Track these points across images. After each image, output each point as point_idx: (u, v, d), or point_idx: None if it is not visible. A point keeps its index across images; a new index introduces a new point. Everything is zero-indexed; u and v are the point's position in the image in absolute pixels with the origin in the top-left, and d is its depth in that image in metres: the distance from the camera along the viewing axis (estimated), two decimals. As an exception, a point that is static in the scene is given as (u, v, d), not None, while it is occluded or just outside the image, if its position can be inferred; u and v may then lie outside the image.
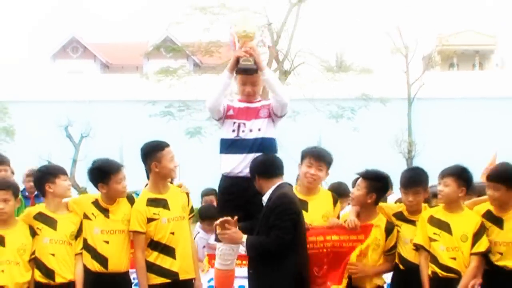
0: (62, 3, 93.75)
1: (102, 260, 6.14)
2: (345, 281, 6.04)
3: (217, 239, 6.41)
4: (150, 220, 6.19)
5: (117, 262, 6.21)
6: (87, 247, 6.18)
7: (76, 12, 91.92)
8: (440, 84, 36.25)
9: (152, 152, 6.31)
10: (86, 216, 6.20)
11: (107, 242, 6.17)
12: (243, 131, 6.39)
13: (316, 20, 31.19)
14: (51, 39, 78.18)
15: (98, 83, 44.01)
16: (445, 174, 6.14)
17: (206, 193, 9.36)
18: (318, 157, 6.30)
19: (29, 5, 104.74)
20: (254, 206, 6.12)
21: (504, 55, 50.94)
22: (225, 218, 5.76)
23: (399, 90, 33.10)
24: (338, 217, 6.47)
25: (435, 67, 41.73)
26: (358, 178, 6.59)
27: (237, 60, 6.31)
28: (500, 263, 6.00)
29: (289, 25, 29.35)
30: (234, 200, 6.26)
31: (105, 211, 6.23)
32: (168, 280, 6.17)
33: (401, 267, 6.26)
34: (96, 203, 6.24)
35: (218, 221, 5.80)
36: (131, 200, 6.37)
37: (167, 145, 6.37)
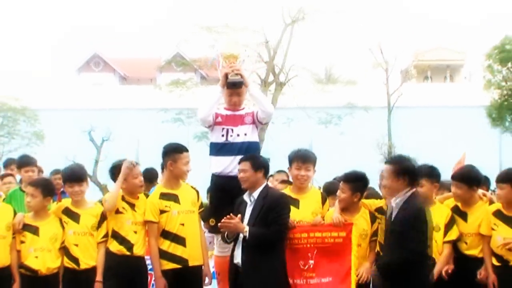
0: (82, 19, 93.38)
1: (130, 246, 6.14)
2: (353, 284, 5.95)
3: (212, 231, 6.51)
4: (162, 211, 6.19)
5: (141, 248, 6.22)
6: (115, 235, 6.18)
7: (95, 27, 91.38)
8: (416, 95, 36.15)
9: (171, 152, 6.32)
10: (118, 211, 6.18)
11: (136, 232, 6.18)
12: (231, 136, 6.44)
13: (308, 38, 31.16)
14: (74, 53, 77.92)
15: (117, 93, 43.94)
16: (425, 172, 6.14)
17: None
18: (304, 159, 6.27)
19: (51, 22, 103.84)
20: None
21: (471, 69, 50.69)
22: (231, 215, 5.73)
23: (380, 100, 33.02)
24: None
25: (412, 79, 41.55)
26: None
27: (226, 76, 6.37)
28: (467, 252, 6.06)
29: (284, 43, 29.38)
30: (225, 197, 6.29)
31: (132, 206, 6.22)
32: (179, 266, 6.16)
33: (381, 253, 6.16)
34: (123, 198, 6.24)
35: (225, 219, 5.74)
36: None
37: (186, 150, 6.38)
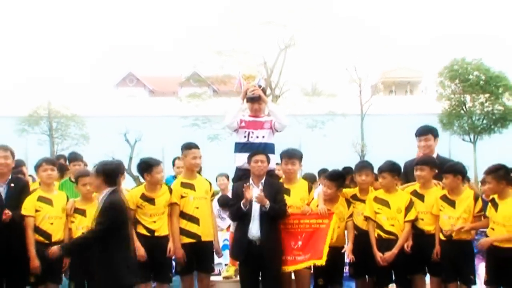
0: (117, 39, 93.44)
1: (151, 231, 6.07)
2: (324, 258, 5.95)
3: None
4: (181, 196, 6.17)
5: (166, 228, 6.14)
6: (140, 222, 6.05)
7: (128, 47, 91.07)
8: (383, 105, 36.26)
9: (184, 149, 6.32)
10: (138, 207, 6.09)
11: (155, 222, 6.08)
12: (251, 137, 6.40)
13: (297, 59, 31.37)
14: (112, 70, 78.41)
15: (146, 104, 44.24)
16: (383, 169, 6.14)
17: (219, 174, 9.10)
18: (290, 156, 6.24)
19: (91, 41, 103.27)
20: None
21: (427, 84, 50.69)
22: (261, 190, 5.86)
23: (355, 109, 33.05)
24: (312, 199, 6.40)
25: (379, 92, 41.60)
26: (324, 170, 6.58)
27: (246, 92, 6.43)
28: (424, 228, 6.02)
29: (279, 64, 29.70)
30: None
31: (151, 201, 6.07)
32: (194, 240, 6.14)
33: (356, 232, 6.22)
34: (143, 196, 6.12)
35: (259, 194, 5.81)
36: (170, 190, 6.28)
37: (195, 147, 6.32)
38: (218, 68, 29.59)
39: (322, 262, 5.95)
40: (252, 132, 6.40)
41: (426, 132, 6.45)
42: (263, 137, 6.41)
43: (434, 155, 6.36)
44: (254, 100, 6.46)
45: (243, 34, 29.08)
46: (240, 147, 6.42)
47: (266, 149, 6.31)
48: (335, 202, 6.25)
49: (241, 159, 6.33)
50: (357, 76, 33.73)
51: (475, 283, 5.91)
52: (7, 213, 5.77)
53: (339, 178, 6.26)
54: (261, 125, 6.44)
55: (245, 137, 6.42)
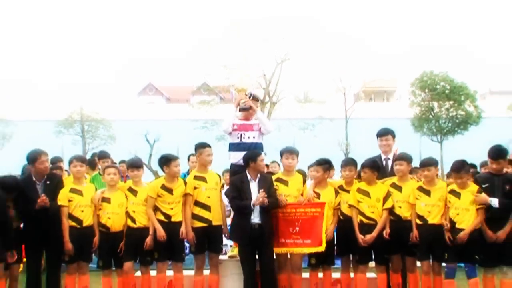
0: (137, 53, 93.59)
1: (168, 216, 6.05)
2: (324, 244, 5.94)
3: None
4: (195, 188, 6.13)
5: (180, 215, 6.11)
6: (159, 209, 6.06)
7: (147, 59, 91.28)
8: (363, 110, 36.35)
9: (198, 147, 6.28)
10: (159, 196, 6.07)
11: (172, 208, 6.05)
12: (244, 138, 6.39)
13: (292, 71, 31.74)
14: (134, 79, 78.95)
15: (164, 109, 44.52)
16: (364, 165, 6.13)
17: (225, 170, 9.05)
18: (290, 152, 6.23)
19: (113, 54, 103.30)
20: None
21: (401, 93, 50.75)
22: (264, 193, 5.81)
23: (340, 114, 33.25)
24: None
25: (361, 100, 41.64)
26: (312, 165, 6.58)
27: (238, 103, 6.45)
28: (401, 214, 6.00)
29: (276, 75, 29.98)
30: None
31: (170, 191, 6.07)
32: (206, 225, 6.10)
33: (341, 217, 6.20)
34: (163, 186, 6.12)
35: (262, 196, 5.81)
36: (185, 182, 6.25)
37: (208, 146, 6.30)
38: (224, 79, 29.91)
39: (322, 248, 5.94)
40: (244, 134, 6.41)
41: (386, 133, 6.51)
42: (254, 137, 6.42)
43: (392, 153, 6.39)
44: (245, 110, 6.48)
45: (245, 50, 29.48)
46: (234, 147, 6.42)
47: (257, 148, 6.34)
48: (323, 188, 6.22)
49: (236, 156, 6.32)
50: (342, 86, 33.99)
51: (444, 260, 5.91)
52: (44, 199, 5.77)
53: (325, 163, 6.27)
54: (251, 127, 6.46)
55: (238, 138, 6.41)
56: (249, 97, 6.50)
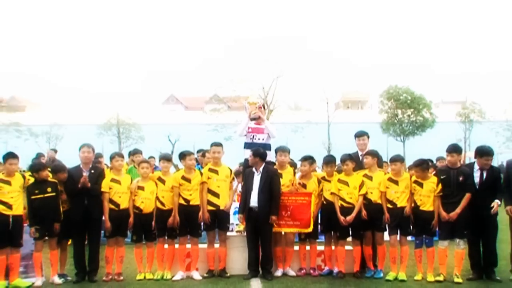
0: (158, 65, 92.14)
1: (187, 201, 6.02)
2: (311, 227, 5.96)
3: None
4: (208, 178, 6.10)
5: (197, 199, 6.07)
6: (179, 194, 6.04)
7: (168, 72, 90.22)
8: (342, 116, 36.44)
9: (213, 146, 6.27)
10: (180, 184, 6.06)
11: (190, 194, 6.03)
12: (255, 139, 6.40)
13: (285, 85, 32.22)
14: (156, 89, 78.39)
15: (183, 116, 44.39)
16: (345, 159, 6.08)
17: (240, 164, 8.98)
18: (283, 150, 6.22)
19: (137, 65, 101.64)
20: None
21: (372, 103, 50.81)
22: None
23: (324, 119, 33.45)
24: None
25: (340, 108, 41.83)
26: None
27: (250, 114, 6.46)
28: (373, 199, 5.97)
29: (273, 88, 30.76)
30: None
31: (188, 180, 6.05)
32: (215, 208, 6.05)
33: (324, 202, 6.14)
34: (183, 177, 6.09)
35: None
36: (201, 173, 6.20)
37: (216, 144, 6.26)
38: (231, 91, 30.37)
39: (310, 230, 6.01)
40: (256, 135, 6.41)
41: (362, 134, 6.51)
42: (263, 139, 6.42)
43: (366, 149, 6.35)
44: (255, 120, 6.50)
45: (248, 67, 29.95)
46: (248, 145, 6.41)
47: (265, 147, 6.30)
48: (308, 179, 6.20)
49: (248, 153, 6.30)
50: (325, 97, 34.26)
51: (411, 234, 5.98)
52: (85, 178, 5.79)
53: (309, 158, 6.29)
54: (262, 130, 6.45)
55: (251, 138, 6.41)
56: (261, 107, 6.54)
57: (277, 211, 5.95)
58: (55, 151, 11.60)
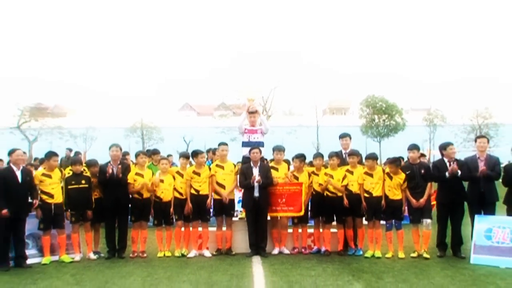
0: (173, 73, 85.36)
1: (197, 191, 5.98)
2: (303, 211, 5.96)
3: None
4: (215, 171, 6.06)
5: (207, 190, 6.02)
6: (191, 185, 5.99)
7: (183, 80, 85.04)
8: (328, 121, 36.38)
9: (221, 145, 6.26)
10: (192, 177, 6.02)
11: (200, 185, 5.97)
12: (251, 138, 6.37)
13: (280, 94, 32.18)
14: (171, 95, 75.59)
15: (195, 121, 44.28)
16: (331, 156, 6.05)
17: (237, 162, 9.01)
18: (279, 149, 6.21)
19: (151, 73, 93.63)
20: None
21: (353, 109, 50.72)
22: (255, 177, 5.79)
23: (313, 123, 33.43)
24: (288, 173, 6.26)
25: (327, 113, 41.82)
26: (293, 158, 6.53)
27: (248, 108, 6.42)
28: (354, 190, 5.93)
29: (271, 97, 30.71)
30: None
31: (198, 174, 6.01)
32: (221, 198, 6.02)
33: (314, 192, 6.13)
34: (194, 171, 6.05)
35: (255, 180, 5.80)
36: (209, 168, 6.16)
37: (223, 144, 6.26)
38: (236, 100, 30.41)
39: (301, 214, 6.00)
40: (251, 135, 6.40)
41: (345, 135, 6.48)
42: (258, 138, 6.40)
43: (349, 149, 6.32)
44: (253, 113, 6.43)
45: (249, 78, 30.11)
46: (245, 144, 6.39)
47: (259, 145, 6.29)
48: (301, 171, 6.18)
49: (246, 150, 6.29)
50: (314, 104, 34.29)
51: (383, 218, 5.96)
52: (110, 168, 5.81)
53: (301, 156, 6.24)
54: (256, 131, 6.44)
55: (247, 138, 6.40)
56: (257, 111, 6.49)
57: (270, 185, 5.93)
58: (70, 150, 11.78)
